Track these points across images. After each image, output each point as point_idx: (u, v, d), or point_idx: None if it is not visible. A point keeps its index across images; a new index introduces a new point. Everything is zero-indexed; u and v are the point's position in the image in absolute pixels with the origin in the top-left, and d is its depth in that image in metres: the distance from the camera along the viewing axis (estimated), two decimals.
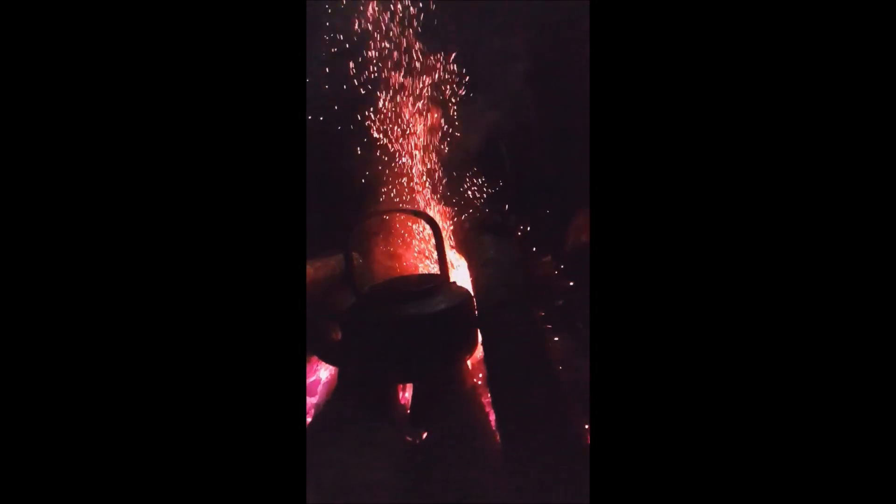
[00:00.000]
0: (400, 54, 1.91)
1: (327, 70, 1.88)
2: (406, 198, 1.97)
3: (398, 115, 1.94)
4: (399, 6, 1.87)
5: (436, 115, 1.95)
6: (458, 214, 1.93)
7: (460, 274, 1.72)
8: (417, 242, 1.96)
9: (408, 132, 1.96)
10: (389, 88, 1.93)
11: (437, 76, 1.93)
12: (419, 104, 1.94)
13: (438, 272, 1.43)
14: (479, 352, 1.39)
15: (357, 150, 1.94)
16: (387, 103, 1.93)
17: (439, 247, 1.41)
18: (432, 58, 1.91)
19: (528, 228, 1.87)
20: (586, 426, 1.17)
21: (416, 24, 1.89)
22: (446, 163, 1.97)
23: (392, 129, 1.95)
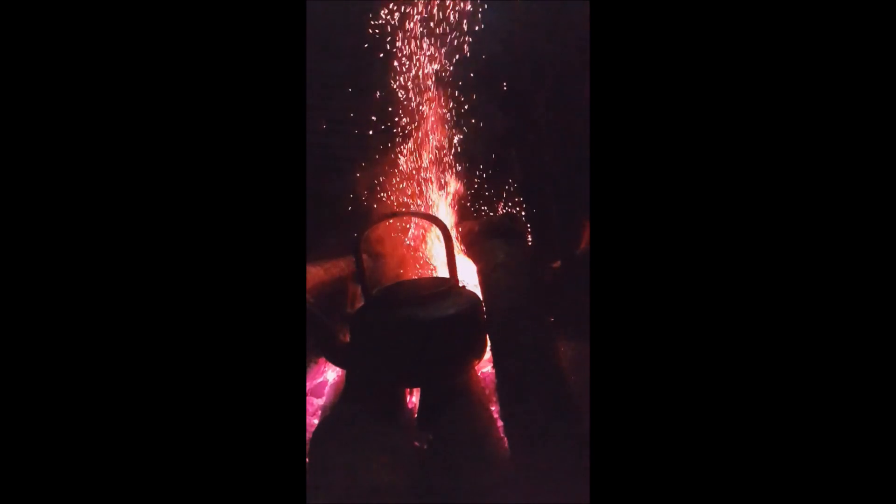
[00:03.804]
0: (411, 55, 1.91)
1: (337, 70, 1.89)
2: (416, 201, 1.97)
3: (408, 117, 1.94)
4: (410, 9, 1.88)
5: (445, 118, 1.95)
6: (468, 218, 1.92)
7: (469, 278, 1.72)
8: (427, 245, 1.95)
9: (418, 134, 1.96)
10: (399, 90, 1.93)
11: (447, 78, 1.93)
12: (429, 107, 1.94)
13: (448, 276, 1.43)
14: (488, 356, 1.39)
15: (366, 153, 1.95)
16: (396, 105, 1.93)
17: (449, 251, 1.41)
18: (443, 60, 1.91)
19: (538, 232, 1.87)
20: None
21: (426, 25, 1.89)
22: (456, 166, 1.97)
23: (401, 131, 1.95)
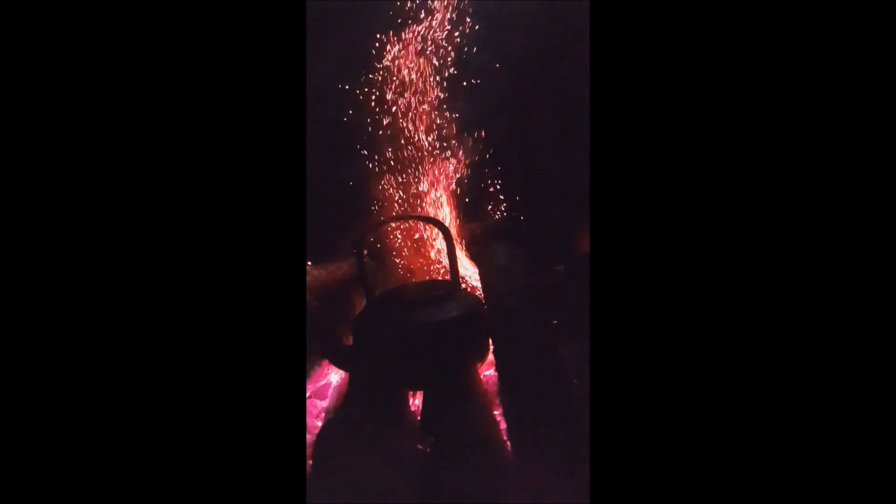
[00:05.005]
0: (411, 56, 1.91)
1: (337, 71, 1.89)
2: (418, 203, 1.97)
3: (409, 119, 1.95)
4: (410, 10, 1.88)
5: (447, 120, 1.95)
6: (470, 221, 1.92)
7: (471, 281, 1.72)
8: (429, 248, 1.95)
9: (419, 136, 1.96)
10: (400, 91, 1.93)
11: (447, 79, 1.93)
12: (431, 108, 1.94)
13: (450, 279, 1.42)
14: (490, 358, 1.39)
15: (367, 154, 1.95)
16: (397, 106, 1.93)
17: (451, 253, 1.41)
18: (443, 59, 1.92)
19: (539, 234, 1.87)
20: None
21: (427, 24, 1.89)
22: (458, 168, 1.97)
23: (403, 133, 1.95)
